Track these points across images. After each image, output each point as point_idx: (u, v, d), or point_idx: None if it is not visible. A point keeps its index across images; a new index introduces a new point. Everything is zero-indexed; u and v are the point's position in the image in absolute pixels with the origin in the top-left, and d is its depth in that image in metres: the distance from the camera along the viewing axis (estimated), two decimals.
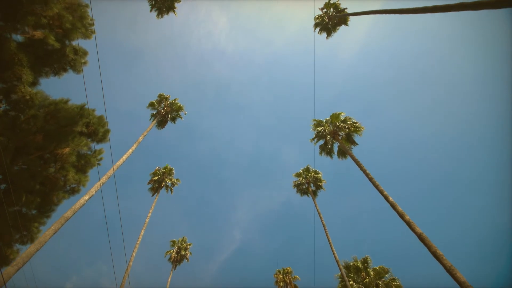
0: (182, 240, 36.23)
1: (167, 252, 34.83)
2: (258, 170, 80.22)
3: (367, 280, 19.90)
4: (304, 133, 78.66)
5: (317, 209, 25.94)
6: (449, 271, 9.48)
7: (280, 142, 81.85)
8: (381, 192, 14.32)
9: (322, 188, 29.75)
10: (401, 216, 12.47)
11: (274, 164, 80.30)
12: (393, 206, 13.15)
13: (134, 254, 20.99)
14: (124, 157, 17.88)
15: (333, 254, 21.21)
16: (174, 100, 26.93)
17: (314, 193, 29.16)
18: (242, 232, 71.23)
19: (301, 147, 78.41)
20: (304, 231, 69.59)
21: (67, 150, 17.25)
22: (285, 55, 78.39)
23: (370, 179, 15.57)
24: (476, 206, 52.74)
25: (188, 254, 35.07)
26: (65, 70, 17.10)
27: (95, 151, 21.09)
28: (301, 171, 30.70)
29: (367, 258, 21.44)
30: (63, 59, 16.81)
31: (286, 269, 37.14)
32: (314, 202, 27.27)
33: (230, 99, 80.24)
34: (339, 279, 21.45)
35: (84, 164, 20.22)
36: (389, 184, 64.53)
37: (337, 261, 20.63)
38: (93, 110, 20.54)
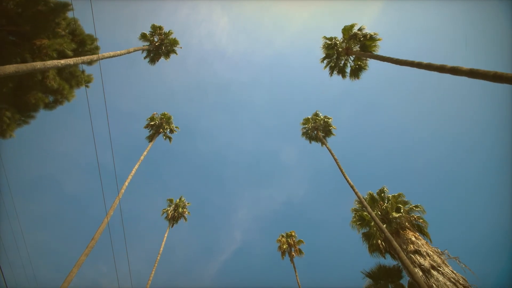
0: (180, 200, 33.88)
1: (163, 210, 32.41)
2: (259, 169, 77.95)
3: (386, 205, 17.50)
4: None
5: (327, 148, 23.64)
6: None
7: (280, 142, 79.56)
8: (410, 64, 12.14)
9: (332, 134, 27.44)
10: (441, 68, 10.27)
11: (274, 164, 78.02)
12: (428, 66, 10.98)
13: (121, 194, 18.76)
14: (111, 54, 15.77)
15: (347, 181, 18.82)
16: (169, 31, 24.77)
17: (324, 139, 26.83)
18: (242, 232, 68.74)
19: (302, 147, 75.87)
20: (304, 231, 67.24)
21: (45, 41, 15.14)
22: (285, 55, 76.47)
23: (395, 61, 13.39)
24: (476, 206, 52.05)
25: (186, 213, 32.65)
26: None
27: (83, 71, 19.12)
28: (309, 117, 28.41)
29: (383, 188, 18.97)
30: None
31: (290, 232, 34.64)
32: (325, 144, 24.97)
33: (230, 99, 78.15)
34: (353, 213, 19.02)
35: (69, 76, 18.16)
36: (390, 184, 62.49)
37: (351, 186, 18.19)
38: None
